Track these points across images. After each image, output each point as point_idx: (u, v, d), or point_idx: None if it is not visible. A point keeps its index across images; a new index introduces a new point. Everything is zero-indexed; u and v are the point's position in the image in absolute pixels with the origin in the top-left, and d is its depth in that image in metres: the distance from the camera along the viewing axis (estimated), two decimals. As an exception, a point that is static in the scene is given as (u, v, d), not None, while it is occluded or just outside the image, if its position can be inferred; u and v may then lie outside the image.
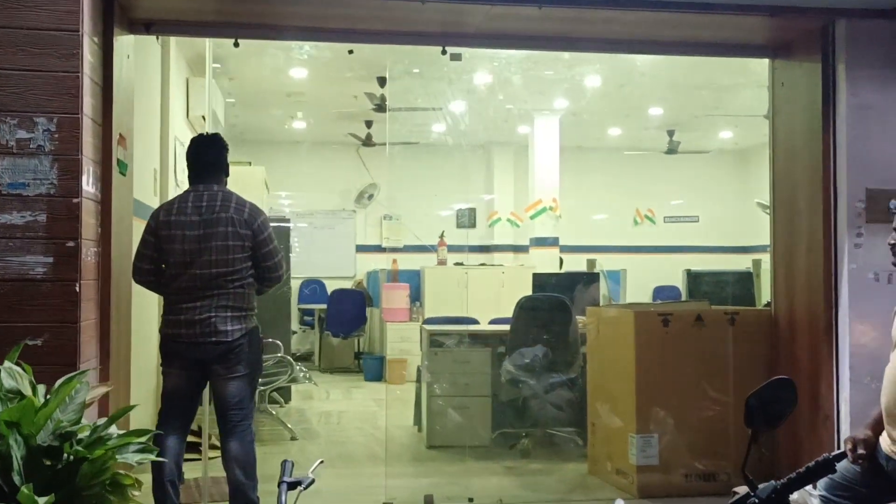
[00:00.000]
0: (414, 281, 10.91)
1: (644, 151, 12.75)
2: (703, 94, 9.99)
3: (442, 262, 10.81)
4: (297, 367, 7.92)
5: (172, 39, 7.03)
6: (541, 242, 10.92)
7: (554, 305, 6.09)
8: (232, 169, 9.68)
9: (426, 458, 5.97)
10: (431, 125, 11.71)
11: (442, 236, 11.04)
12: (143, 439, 2.53)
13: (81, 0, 3.60)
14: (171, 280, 4.09)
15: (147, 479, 4.85)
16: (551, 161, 10.83)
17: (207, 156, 4.32)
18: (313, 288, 12.73)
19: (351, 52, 7.26)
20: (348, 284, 12.49)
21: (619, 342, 5.09)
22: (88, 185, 3.71)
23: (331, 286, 12.40)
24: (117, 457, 2.53)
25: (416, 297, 10.85)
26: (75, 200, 3.57)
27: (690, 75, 9.07)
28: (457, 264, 10.81)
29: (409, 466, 5.80)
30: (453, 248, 12.34)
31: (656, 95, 10.20)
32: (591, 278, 6.66)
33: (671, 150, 12.23)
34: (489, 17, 4.29)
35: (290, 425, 6.95)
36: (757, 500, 2.05)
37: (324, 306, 11.73)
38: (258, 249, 4.18)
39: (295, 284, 12.68)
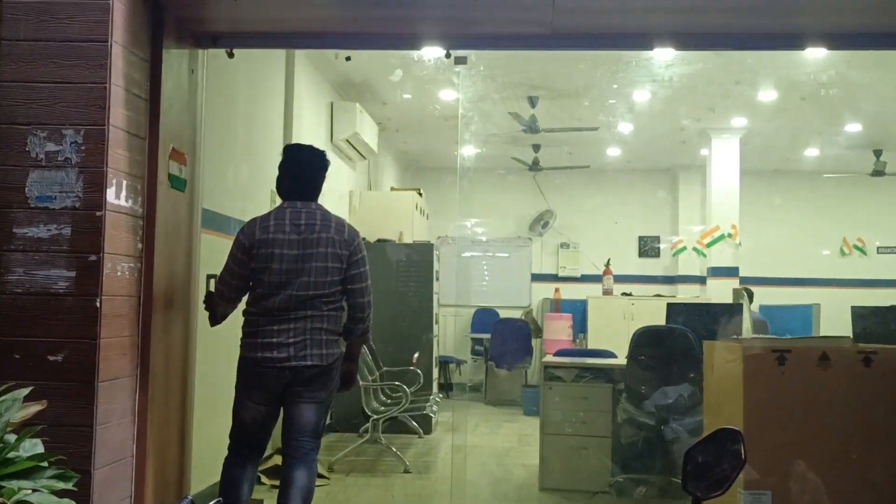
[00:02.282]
0: (580, 311, 10.40)
1: (845, 174, 11.49)
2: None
3: (607, 292, 10.22)
4: (433, 398, 7.69)
5: (307, 63, 7.07)
6: (719, 273, 10.07)
7: (675, 338, 5.44)
8: (383, 194, 9.72)
9: (531, 501, 5.48)
10: (606, 148, 11.20)
11: (607, 265, 10.45)
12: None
13: (111, 11, 3.54)
14: (260, 299, 3.92)
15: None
16: (730, 184, 10.00)
17: (312, 171, 4.14)
18: (485, 317, 12.44)
19: (348, 58, 6.96)
20: (520, 314, 12.11)
21: (728, 381, 4.41)
22: (119, 198, 3.61)
23: (504, 315, 12.07)
24: (28, 482, 2.35)
25: (581, 327, 10.32)
26: (98, 213, 3.49)
27: (886, 82, 8.02)
28: (624, 294, 10.18)
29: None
30: (632, 279, 11.69)
31: (852, 110, 9.14)
32: (733, 309, 5.93)
33: (878, 172, 10.94)
34: (557, 13, 3.85)
35: (419, 458, 6.70)
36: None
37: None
38: (350, 270, 3.98)
39: (468, 313, 12.49)
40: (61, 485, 2.39)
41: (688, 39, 4.45)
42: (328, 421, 7.90)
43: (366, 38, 4.47)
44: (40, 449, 2.50)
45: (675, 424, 5.63)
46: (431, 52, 4.72)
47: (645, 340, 5.56)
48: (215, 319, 4.12)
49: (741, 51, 5.98)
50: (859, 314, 6.00)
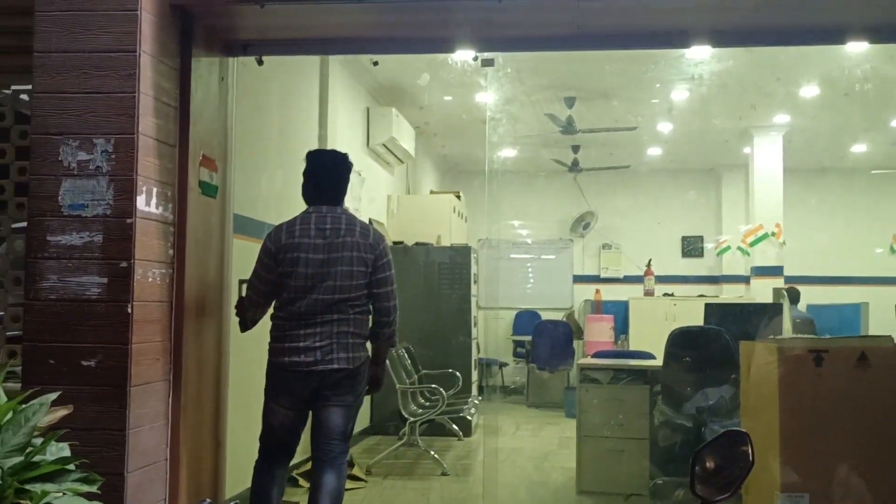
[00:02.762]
0: (622, 312, 10.32)
1: (894, 170, 11.24)
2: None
3: (649, 293, 10.12)
4: (471, 400, 7.67)
5: (342, 69, 7.11)
6: (763, 272, 9.92)
7: (709, 339, 5.36)
8: (421, 198, 9.73)
9: (565, 505, 5.46)
10: (646, 149, 11.10)
11: (648, 265, 10.34)
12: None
13: (140, 21, 3.59)
14: (286, 304, 3.96)
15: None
16: (773, 182, 9.85)
17: (335, 176, 4.16)
18: (527, 319, 12.39)
19: (376, 63, 7.01)
20: (562, 316, 12.04)
21: (765, 383, 4.33)
22: (150, 205, 3.66)
23: (546, 317, 12.00)
24: (53, 485, 2.39)
25: (622, 329, 10.24)
26: (129, 220, 3.54)
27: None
28: (666, 295, 10.08)
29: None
30: (676, 279, 11.57)
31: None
32: (772, 309, 5.83)
33: (927, 168, 10.72)
34: (582, 13, 3.83)
35: (457, 461, 6.69)
36: None
37: (536, 338, 11.36)
38: (375, 274, 4.00)
39: (510, 315, 12.46)
40: (85, 488, 2.42)
41: (722, 36, 4.39)
42: (368, 424, 7.95)
43: (394, 42, 4.49)
44: (66, 452, 2.54)
45: (715, 426, 5.55)
46: (461, 55, 4.71)
47: (680, 342, 5.49)
48: (245, 325, 4.16)
49: (779, 46, 5.87)
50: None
